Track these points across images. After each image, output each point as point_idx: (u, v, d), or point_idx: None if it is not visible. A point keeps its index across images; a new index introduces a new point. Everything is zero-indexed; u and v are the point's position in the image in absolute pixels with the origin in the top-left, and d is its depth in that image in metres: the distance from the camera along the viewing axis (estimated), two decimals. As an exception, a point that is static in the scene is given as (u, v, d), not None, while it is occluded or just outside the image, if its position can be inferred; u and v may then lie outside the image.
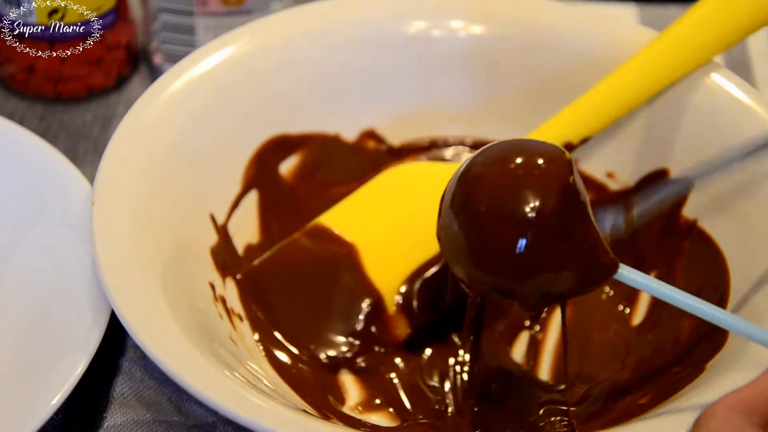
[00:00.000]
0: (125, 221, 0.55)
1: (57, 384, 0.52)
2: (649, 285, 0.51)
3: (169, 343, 0.51)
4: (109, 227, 0.54)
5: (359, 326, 0.58)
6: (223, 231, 0.61)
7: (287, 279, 0.60)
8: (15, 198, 0.61)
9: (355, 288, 0.59)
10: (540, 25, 0.65)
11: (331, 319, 0.59)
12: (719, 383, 0.50)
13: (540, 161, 0.50)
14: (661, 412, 0.51)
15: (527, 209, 0.48)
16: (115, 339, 0.58)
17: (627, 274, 0.50)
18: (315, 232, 0.60)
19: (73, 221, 0.58)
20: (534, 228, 0.48)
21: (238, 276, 0.60)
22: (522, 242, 0.49)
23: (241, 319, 0.59)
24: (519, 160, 0.50)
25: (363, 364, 0.58)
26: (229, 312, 0.58)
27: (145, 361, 0.57)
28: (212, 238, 0.60)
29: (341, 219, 0.60)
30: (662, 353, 0.57)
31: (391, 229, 0.60)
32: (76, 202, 0.59)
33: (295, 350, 0.58)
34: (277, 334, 0.58)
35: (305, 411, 0.55)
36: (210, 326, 0.55)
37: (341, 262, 0.59)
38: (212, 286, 0.58)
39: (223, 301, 0.58)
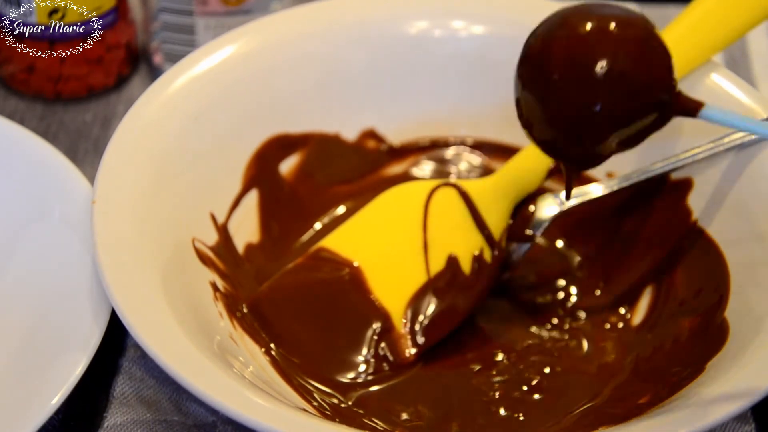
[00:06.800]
0: (126, 220, 0.55)
1: (57, 383, 0.52)
2: (737, 121, 0.52)
3: (169, 342, 0.51)
4: (110, 226, 0.54)
5: (370, 347, 0.58)
6: (223, 230, 0.61)
7: (294, 304, 0.59)
8: (15, 198, 0.61)
9: (363, 309, 0.58)
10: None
11: (342, 342, 0.58)
12: (719, 383, 0.50)
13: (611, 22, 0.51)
14: (661, 412, 0.51)
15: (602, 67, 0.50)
16: (115, 338, 0.58)
17: (712, 113, 0.52)
18: (319, 256, 0.60)
19: (74, 221, 0.58)
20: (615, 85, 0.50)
21: (244, 306, 0.59)
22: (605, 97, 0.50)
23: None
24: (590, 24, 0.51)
25: (375, 387, 0.58)
26: (229, 311, 0.58)
27: (145, 360, 0.57)
28: (212, 237, 0.60)
29: (344, 241, 0.60)
30: (662, 353, 0.57)
31: (394, 249, 0.60)
32: (76, 202, 0.59)
33: (309, 379, 0.57)
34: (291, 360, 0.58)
35: (305, 410, 0.55)
36: (210, 325, 0.55)
37: (347, 284, 0.59)
38: (212, 286, 0.58)
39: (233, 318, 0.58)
